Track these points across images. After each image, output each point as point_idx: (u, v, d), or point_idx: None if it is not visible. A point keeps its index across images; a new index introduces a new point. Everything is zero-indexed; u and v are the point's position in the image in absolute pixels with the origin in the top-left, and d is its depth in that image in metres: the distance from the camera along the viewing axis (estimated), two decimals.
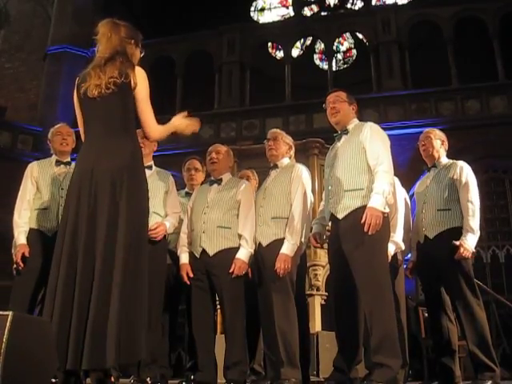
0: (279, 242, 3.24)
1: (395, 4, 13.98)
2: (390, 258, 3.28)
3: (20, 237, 3.35)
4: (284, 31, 11.89)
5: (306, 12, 15.56)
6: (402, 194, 3.71)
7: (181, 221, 3.59)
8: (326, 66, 12.95)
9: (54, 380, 2.58)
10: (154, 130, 2.54)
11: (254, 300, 3.32)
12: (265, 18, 15.58)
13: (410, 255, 3.77)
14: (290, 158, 3.58)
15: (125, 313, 2.19)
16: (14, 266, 3.32)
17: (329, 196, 3.12)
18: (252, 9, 15.80)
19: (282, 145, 3.53)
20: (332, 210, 3.07)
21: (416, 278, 4.16)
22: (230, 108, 10.97)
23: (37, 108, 11.64)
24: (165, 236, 3.39)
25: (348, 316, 3.04)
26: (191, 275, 3.36)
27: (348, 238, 2.94)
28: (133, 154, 2.44)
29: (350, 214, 2.95)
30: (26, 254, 3.28)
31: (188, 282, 3.37)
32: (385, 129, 3.35)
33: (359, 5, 15.09)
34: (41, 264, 3.22)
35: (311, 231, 3.38)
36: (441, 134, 3.73)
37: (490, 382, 3.16)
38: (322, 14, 15.07)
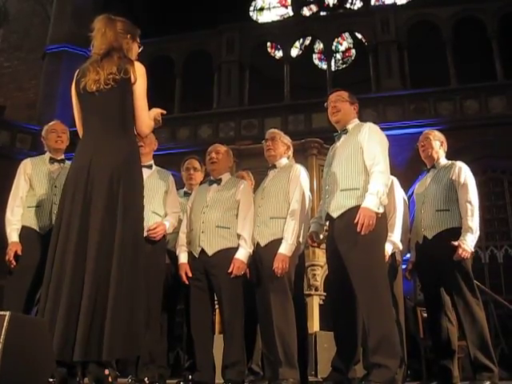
0: (277, 242, 3.23)
1: (394, 4, 13.97)
2: (387, 257, 3.29)
3: (12, 234, 3.32)
4: (283, 31, 11.89)
5: (305, 12, 15.55)
6: (400, 194, 3.72)
7: (180, 220, 3.59)
8: (324, 66, 12.94)
9: (51, 380, 2.58)
10: (146, 125, 2.51)
11: (252, 300, 3.32)
12: (264, 17, 15.57)
13: (408, 255, 3.78)
14: (288, 158, 3.57)
15: (123, 307, 2.18)
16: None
17: (326, 195, 3.13)
18: (251, 8, 15.79)
19: (280, 145, 3.52)
20: (327, 208, 3.07)
21: (414, 278, 4.16)
22: (229, 107, 10.96)
23: (35, 107, 11.62)
24: (164, 236, 3.38)
25: (346, 316, 3.04)
26: (190, 275, 3.36)
27: (343, 238, 2.95)
28: (130, 152, 2.43)
29: (345, 214, 2.95)
30: (19, 252, 3.25)
31: (187, 282, 3.36)
32: (383, 129, 3.35)
33: (358, 5, 15.08)
34: (34, 262, 3.17)
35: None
36: (440, 135, 3.74)
37: (489, 382, 3.17)
38: (321, 13, 15.06)
